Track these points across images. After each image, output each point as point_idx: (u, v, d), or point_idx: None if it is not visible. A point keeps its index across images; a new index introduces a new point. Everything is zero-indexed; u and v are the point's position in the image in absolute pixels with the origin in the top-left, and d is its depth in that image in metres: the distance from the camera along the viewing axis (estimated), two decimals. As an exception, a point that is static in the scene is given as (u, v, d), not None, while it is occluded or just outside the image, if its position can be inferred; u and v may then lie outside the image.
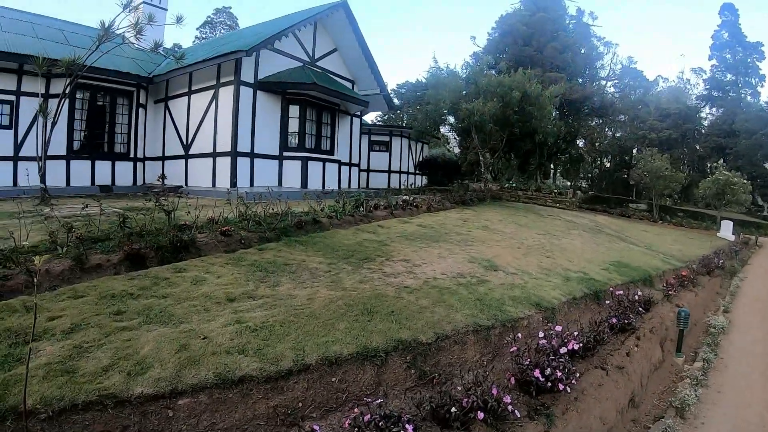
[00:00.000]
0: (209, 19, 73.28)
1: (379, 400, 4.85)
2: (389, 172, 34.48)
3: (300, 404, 4.83)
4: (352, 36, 23.48)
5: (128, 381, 4.35)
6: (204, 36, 69.77)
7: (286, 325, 5.82)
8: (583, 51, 50.37)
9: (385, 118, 58.01)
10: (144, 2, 24.79)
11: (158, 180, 10.92)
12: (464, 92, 25.79)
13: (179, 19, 15.93)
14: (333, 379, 5.16)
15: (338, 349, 5.43)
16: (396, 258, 9.84)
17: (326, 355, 5.27)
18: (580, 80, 48.64)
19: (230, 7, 75.06)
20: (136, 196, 17.36)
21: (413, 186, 31.66)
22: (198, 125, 19.78)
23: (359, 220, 12.98)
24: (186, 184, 19.85)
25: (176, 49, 15.59)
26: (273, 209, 11.32)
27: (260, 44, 18.47)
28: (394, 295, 7.52)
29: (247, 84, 18.74)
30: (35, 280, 5.06)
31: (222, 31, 71.35)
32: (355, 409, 4.80)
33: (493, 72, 31.27)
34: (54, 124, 14.84)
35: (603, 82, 57.18)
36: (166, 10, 24.91)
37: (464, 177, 36.28)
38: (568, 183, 60.95)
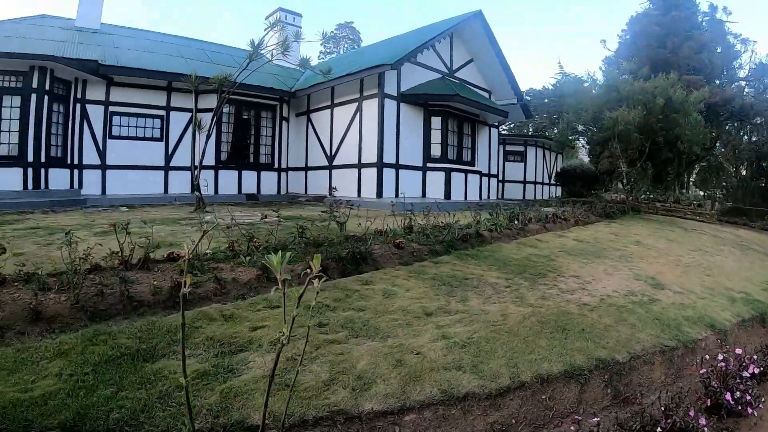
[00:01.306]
0: (332, 34, 73.26)
1: (596, 419, 4.77)
2: (524, 182, 33.39)
3: (513, 421, 4.62)
4: (488, 46, 22.94)
5: (355, 396, 4.12)
6: (328, 51, 70.57)
7: (491, 342, 5.52)
8: (719, 50, 47.40)
9: (511, 126, 57.26)
10: (281, 21, 25.66)
11: (332, 191, 10.90)
12: (605, 100, 24.86)
13: (324, 35, 16.29)
14: (543, 397, 4.92)
15: (548, 367, 5.15)
16: (566, 274, 9.39)
17: (538, 373, 5.00)
18: (717, 82, 45.87)
19: (352, 22, 76.00)
20: (282, 204, 17.69)
21: (550, 197, 30.84)
22: (342, 137, 19.94)
23: (516, 233, 12.51)
24: (330, 194, 19.80)
25: (305, 64, 15.86)
26: (425, 221, 11.07)
27: (404, 57, 18.34)
28: (578, 312, 7.13)
29: (390, 96, 18.63)
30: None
31: (345, 45, 72.20)
32: (571, 427, 4.69)
33: (629, 77, 29.93)
34: (208, 137, 15.45)
35: (742, 83, 53.34)
36: (300, 27, 25.75)
37: (598, 188, 35.09)
38: (701, 193, 57.95)
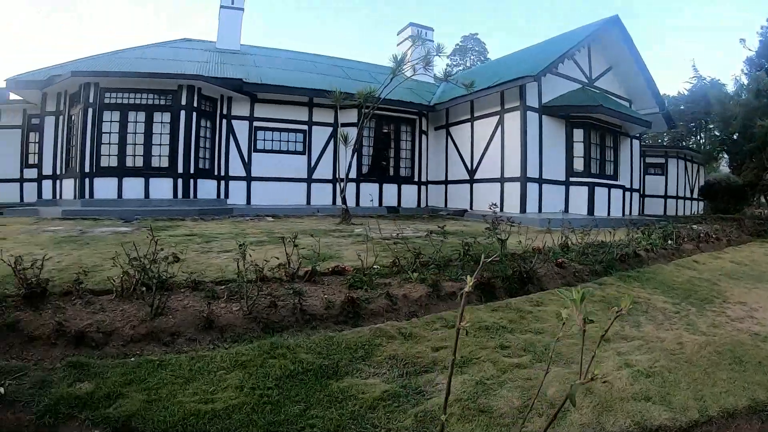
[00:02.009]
0: (458, 46, 72.75)
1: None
2: (665, 197, 31.68)
3: (705, 456, 4.19)
4: (627, 53, 21.79)
5: (553, 426, 3.82)
6: (455, 63, 70.18)
7: (673, 372, 5.06)
8: None
9: (645, 137, 54.71)
10: (413, 36, 26.01)
11: (491, 207, 10.59)
12: (755, 106, 23.29)
13: (439, 48, 16.19)
14: None
15: (732, 401, 4.65)
16: (731, 300, 8.69)
17: (724, 407, 4.52)
18: None
19: (477, 34, 75.28)
20: (423, 218, 17.61)
21: (692, 213, 29.27)
22: (483, 151, 19.57)
23: (671, 253, 11.79)
24: (471, 208, 19.70)
25: (448, 76, 15.87)
26: (580, 239, 10.59)
27: (546, 68, 17.82)
28: (751, 343, 6.50)
29: (532, 108, 18.11)
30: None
31: (471, 57, 71.70)
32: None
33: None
34: (354, 151, 15.60)
35: None
36: (433, 41, 25.72)
37: (744, 203, 32.94)
38: None
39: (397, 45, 28.81)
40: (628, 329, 6.37)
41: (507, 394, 4.21)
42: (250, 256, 6.39)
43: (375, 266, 7.09)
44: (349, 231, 11.85)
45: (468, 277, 2.54)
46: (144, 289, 5.67)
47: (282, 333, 5.18)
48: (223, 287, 6.14)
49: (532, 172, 17.89)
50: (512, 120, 18.26)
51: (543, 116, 18.49)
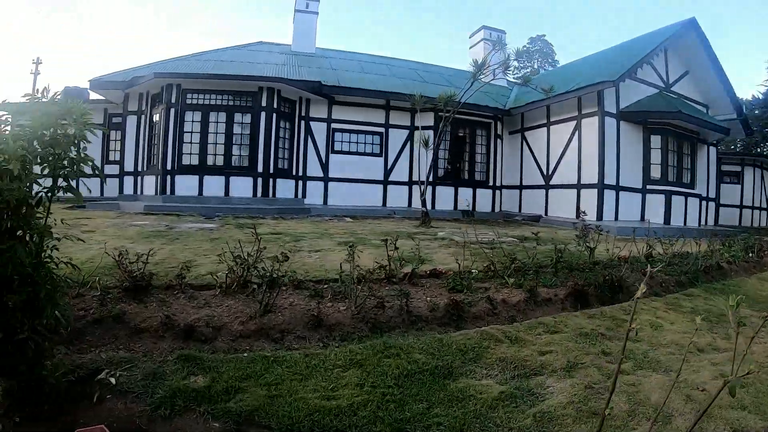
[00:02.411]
0: (525, 48, 70.59)
1: None
2: (741, 207, 30.60)
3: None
4: (704, 56, 21.08)
5: (659, 430, 3.89)
6: (522, 66, 68.82)
7: (765, 383, 5.09)
8: None
9: (718, 143, 52.82)
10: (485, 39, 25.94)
11: (581, 215, 10.56)
12: None
13: (519, 53, 16.16)
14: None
15: None
16: (817, 316, 8.56)
17: None
18: None
19: (544, 35, 73.60)
20: (498, 223, 17.59)
21: (768, 225, 28.43)
22: (559, 156, 19.38)
23: (753, 266, 11.53)
24: (546, 214, 19.56)
25: (527, 81, 15.68)
26: (664, 249, 10.47)
27: (625, 73, 17.47)
28: None
29: (610, 114, 17.82)
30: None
31: (538, 59, 70.65)
32: None
33: None
34: (435, 154, 15.67)
35: None
36: (506, 44, 25.64)
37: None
38: None
39: (470, 48, 28.77)
40: (719, 341, 6.35)
41: (614, 398, 4.29)
42: (346, 258, 6.49)
43: (473, 270, 7.18)
44: (432, 234, 11.92)
45: (641, 284, 2.66)
46: (255, 286, 5.92)
47: (389, 333, 5.32)
48: (325, 286, 6.32)
49: (610, 178, 17.64)
50: (590, 125, 18.04)
51: (620, 122, 18.21)
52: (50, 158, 3.75)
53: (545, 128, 20.26)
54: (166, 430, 3.59)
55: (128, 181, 20.26)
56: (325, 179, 19.91)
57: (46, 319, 3.82)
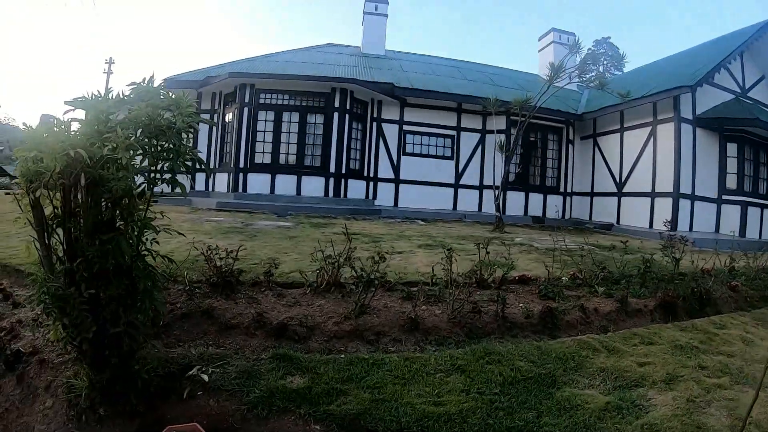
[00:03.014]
0: (590, 51, 68.68)
1: None
2: None
3: None
4: None
5: None
6: (587, 69, 67.43)
7: None
8: None
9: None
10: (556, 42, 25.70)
11: (665, 223, 10.39)
12: None
13: (595, 56, 15.85)
14: None
15: None
16: None
17: None
18: None
19: (609, 38, 72.24)
20: (569, 230, 17.36)
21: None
22: (633, 163, 18.92)
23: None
24: (617, 222, 19.18)
25: (603, 86, 15.28)
26: (747, 262, 10.19)
27: (703, 78, 17.07)
28: None
29: (686, 120, 17.34)
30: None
31: (604, 62, 69.52)
32: None
33: None
34: (509, 159, 15.64)
35: None
36: (581, 47, 25.39)
37: None
38: None
39: (539, 51, 28.46)
40: (813, 358, 6.22)
41: (715, 412, 4.24)
42: (435, 260, 6.61)
43: (563, 278, 7.15)
44: (509, 239, 11.86)
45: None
46: (348, 286, 6.01)
47: (485, 339, 5.33)
48: (414, 289, 6.28)
49: (685, 187, 17.20)
50: (665, 132, 17.63)
51: (696, 129, 17.72)
52: (153, 149, 3.80)
53: (618, 134, 19.86)
54: (262, 430, 3.63)
55: (200, 177, 20.69)
56: (396, 181, 20.06)
57: (142, 313, 3.93)
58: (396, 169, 20.05)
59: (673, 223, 16.68)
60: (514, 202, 20.14)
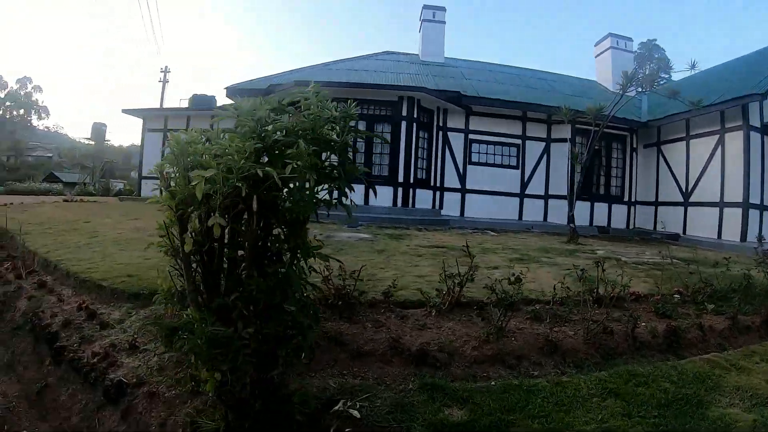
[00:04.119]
0: (635, 53, 67.89)
1: None
2: None
3: None
4: None
5: None
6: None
7: None
8: None
9: None
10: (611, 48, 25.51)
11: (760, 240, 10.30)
12: None
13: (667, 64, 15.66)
14: None
15: None
16: None
17: None
18: None
19: (655, 40, 70.80)
20: (635, 240, 17.27)
21: None
22: (700, 172, 18.62)
23: None
24: (684, 233, 18.91)
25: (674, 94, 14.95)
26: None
27: (775, 86, 16.76)
28: None
29: (754, 129, 17.12)
30: None
31: (650, 64, 68.32)
32: None
33: None
34: (583, 168, 15.64)
35: None
36: (632, 51, 25.41)
37: None
38: None
39: (596, 57, 28.38)
40: None
41: None
42: (524, 273, 6.28)
43: (675, 296, 7.22)
44: (589, 251, 11.83)
45: None
46: (493, 306, 5.77)
47: (618, 359, 5.34)
48: (536, 307, 6.35)
49: (754, 197, 16.99)
50: (733, 140, 17.39)
51: (765, 137, 17.48)
52: (320, 167, 3.52)
53: (683, 142, 19.57)
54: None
55: (269, 183, 20.94)
56: (462, 190, 20.16)
57: (300, 352, 3.74)
58: (462, 178, 20.14)
59: (743, 234, 16.53)
60: (580, 211, 19.34)
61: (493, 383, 4.55)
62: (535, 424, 3.85)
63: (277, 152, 3.49)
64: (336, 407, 3.73)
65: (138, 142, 33.07)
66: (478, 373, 4.85)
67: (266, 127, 3.54)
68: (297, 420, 3.65)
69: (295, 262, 3.69)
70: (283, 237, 3.70)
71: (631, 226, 21.24)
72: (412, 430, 3.66)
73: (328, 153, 3.71)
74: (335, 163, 3.73)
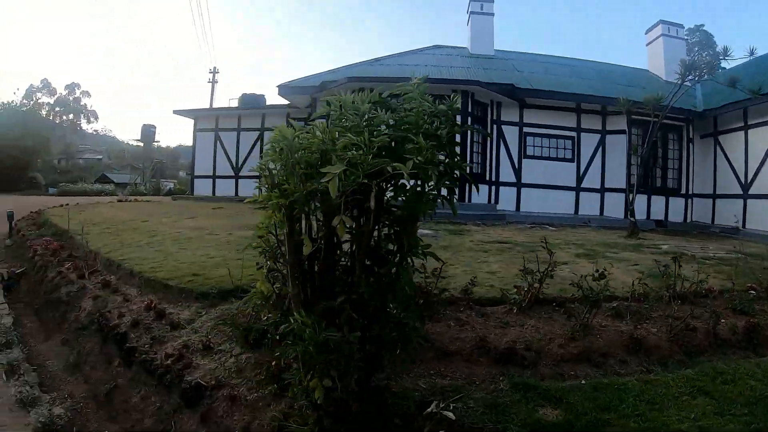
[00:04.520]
0: (684, 40, 66.50)
1: None
2: None
3: None
4: None
5: None
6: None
7: None
8: None
9: None
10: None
11: None
12: None
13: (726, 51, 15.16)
14: None
15: None
16: None
17: None
18: None
19: (702, 25, 69.44)
20: (695, 235, 16.95)
21: None
22: (760, 163, 17.95)
23: None
24: (743, 226, 18.24)
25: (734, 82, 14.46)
26: None
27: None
28: None
29: None
30: None
31: (703, 52, 66.83)
32: None
33: None
34: (643, 160, 15.44)
35: None
36: (683, 39, 25.00)
37: None
38: None
39: (647, 45, 27.76)
40: None
41: None
42: (600, 270, 6.08)
43: (750, 292, 7.12)
44: (654, 246, 11.72)
45: None
46: (578, 303, 5.84)
47: (701, 357, 5.33)
48: (615, 304, 6.30)
49: (815, 190, 16.41)
50: (794, 129, 16.81)
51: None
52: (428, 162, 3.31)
53: (742, 132, 18.91)
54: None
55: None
56: (518, 185, 19.99)
57: (403, 353, 3.77)
58: (517, 172, 19.98)
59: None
60: (637, 205, 18.58)
61: (583, 382, 4.61)
62: (631, 423, 3.88)
63: (393, 147, 3.43)
64: (429, 409, 3.67)
65: (184, 142, 33.61)
66: (566, 371, 4.87)
67: (372, 121, 3.51)
68: (395, 423, 3.66)
69: (404, 262, 3.64)
70: (393, 235, 3.65)
71: (688, 220, 20.67)
72: (509, 431, 3.69)
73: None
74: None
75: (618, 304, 6.27)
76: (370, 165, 3.08)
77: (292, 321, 3.27)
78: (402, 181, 3.52)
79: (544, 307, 6.22)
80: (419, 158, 3.16)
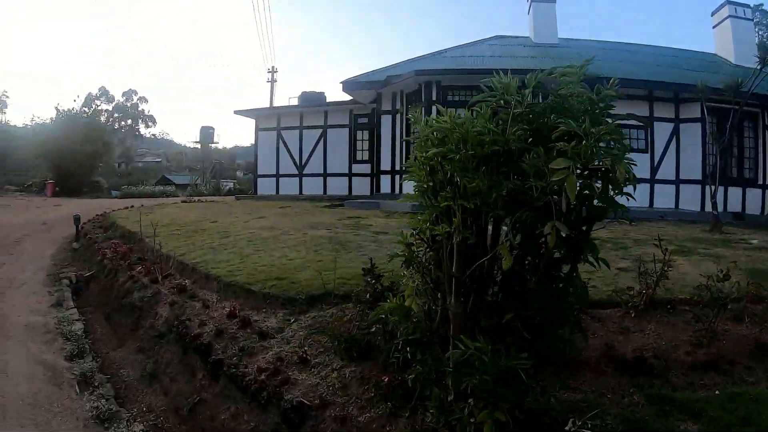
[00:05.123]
0: (754, 20, 64.44)
1: None
2: None
3: None
4: None
5: None
6: None
7: None
8: None
9: None
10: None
11: None
12: None
13: None
14: None
15: None
16: None
17: None
18: None
19: (761, 5, 67.18)
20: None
21: None
22: None
23: None
24: None
25: None
26: None
27: None
28: None
29: None
30: None
31: (758, 32, 64.79)
32: None
33: None
34: (723, 150, 14.92)
35: None
36: (751, 19, 24.41)
37: None
38: None
39: (713, 27, 26.63)
40: None
41: None
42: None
43: None
44: (741, 241, 11.32)
45: None
46: (704, 306, 5.45)
47: None
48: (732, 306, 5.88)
49: None
50: None
51: None
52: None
53: None
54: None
55: (385, 180, 21.20)
56: (587, 176, 19.24)
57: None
58: (598, 161, 19.25)
59: None
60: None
61: (717, 392, 4.38)
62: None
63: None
64: (567, 427, 3.47)
65: (240, 143, 34.05)
66: (695, 380, 4.65)
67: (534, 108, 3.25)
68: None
69: (576, 271, 3.34)
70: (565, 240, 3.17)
71: (765, 212, 19.76)
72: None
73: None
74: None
75: (732, 306, 5.82)
76: (588, 158, 2.83)
77: (461, 345, 3.01)
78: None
79: (658, 310, 5.94)
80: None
